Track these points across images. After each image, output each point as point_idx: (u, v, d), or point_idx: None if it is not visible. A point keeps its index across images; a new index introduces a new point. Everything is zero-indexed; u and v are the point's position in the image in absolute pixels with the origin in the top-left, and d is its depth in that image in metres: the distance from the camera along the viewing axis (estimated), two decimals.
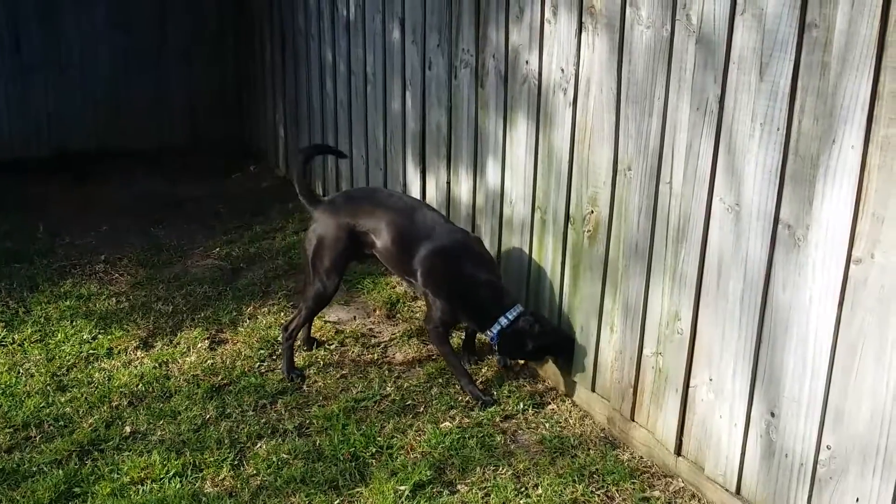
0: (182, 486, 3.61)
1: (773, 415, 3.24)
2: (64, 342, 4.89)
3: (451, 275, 4.32)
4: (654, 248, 3.70)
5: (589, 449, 3.93)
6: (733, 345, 3.37)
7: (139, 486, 3.62)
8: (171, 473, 3.70)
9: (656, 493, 3.63)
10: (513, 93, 4.51)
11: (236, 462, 3.81)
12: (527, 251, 4.55)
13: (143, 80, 8.33)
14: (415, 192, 5.56)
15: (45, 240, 6.42)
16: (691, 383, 3.62)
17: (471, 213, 5.02)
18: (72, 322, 5.13)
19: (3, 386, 4.41)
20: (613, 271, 3.97)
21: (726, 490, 3.48)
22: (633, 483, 3.69)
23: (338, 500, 3.56)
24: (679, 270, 3.59)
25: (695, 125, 3.39)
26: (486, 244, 4.85)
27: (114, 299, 5.47)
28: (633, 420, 3.94)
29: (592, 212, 4.04)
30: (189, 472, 3.73)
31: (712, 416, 3.52)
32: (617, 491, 3.65)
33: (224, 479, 3.69)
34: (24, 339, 4.91)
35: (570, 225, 4.21)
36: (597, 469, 3.77)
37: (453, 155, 5.13)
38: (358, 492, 3.61)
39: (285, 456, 3.84)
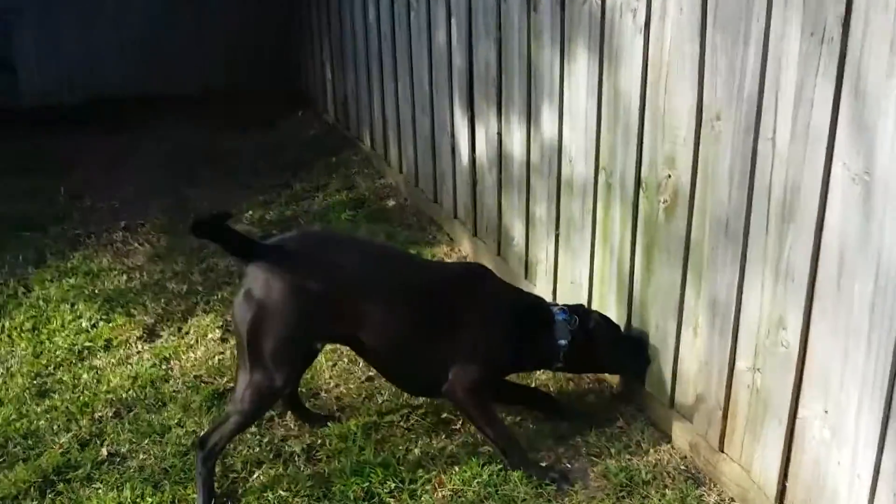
0: None
1: None
2: (58, 332, 4.26)
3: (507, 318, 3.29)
4: (752, 229, 2.75)
5: (665, 487, 3.05)
6: (859, 369, 2.42)
7: None
8: None
9: None
10: (571, 17, 3.57)
11: (224, 500, 3.09)
12: (590, 222, 3.63)
13: (183, 19, 7.60)
14: (463, 144, 4.69)
15: (64, 203, 5.84)
16: (799, 413, 2.69)
17: (524, 172, 4.11)
18: (72, 306, 4.50)
19: None
20: (697, 256, 3.03)
21: None
22: None
23: None
24: (784, 261, 2.63)
25: (808, 58, 2.42)
26: (543, 210, 3.99)
27: (125, 276, 4.82)
28: (723, 451, 3.04)
29: (670, 176, 3.10)
30: None
31: (827, 460, 2.59)
32: None
33: None
34: (15, 328, 4.30)
35: (641, 192, 3.28)
36: None
37: (504, 98, 4.22)
38: None
39: (283, 493, 3.09)
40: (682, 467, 3.15)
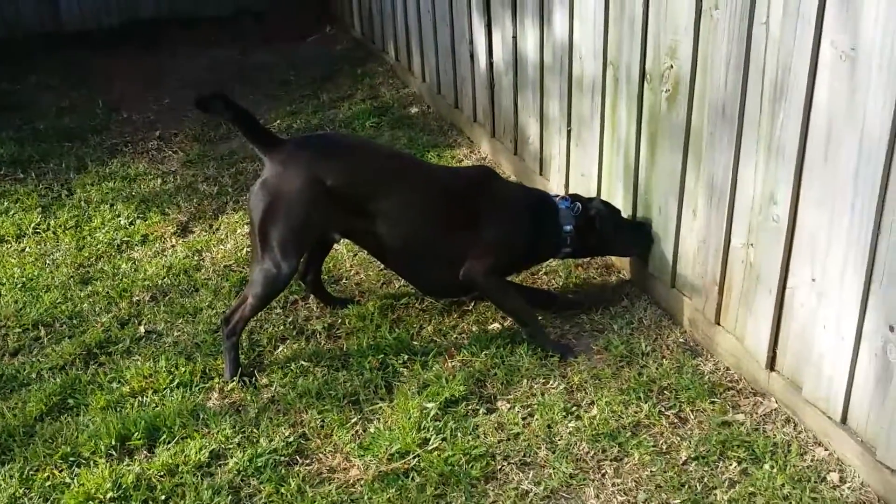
0: (183, 399, 3.16)
1: (892, 329, 2.47)
2: (99, 229, 4.51)
3: (519, 211, 3.47)
4: (746, 111, 2.89)
5: (663, 358, 3.25)
6: (844, 236, 2.58)
7: (137, 398, 3.19)
8: (176, 383, 3.26)
9: (740, 417, 2.94)
10: None
11: (250, 369, 3.33)
12: (598, 117, 3.77)
13: None
14: (481, 50, 4.82)
15: (103, 116, 6.06)
16: (788, 283, 2.85)
17: (538, 73, 4.24)
18: (111, 206, 4.74)
19: (25, 279, 4.06)
20: (696, 141, 3.18)
21: (829, 418, 2.75)
22: (713, 402, 3.00)
23: (354, 419, 3.03)
24: (776, 139, 2.77)
25: None
26: (556, 108, 4.13)
27: (160, 180, 5.04)
28: (719, 324, 3.21)
29: (672, 66, 3.23)
30: (196, 381, 3.27)
31: (814, 325, 2.76)
32: (691, 411, 2.98)
33: (233, 389, 3.23)
34: (60, 226, 4.56)
35: (646, 84, 3.41)
36: (669, 384, 3.10)
37: (518, 1, 4.31)
38: (378, 408, 3.07)
39: (305, 363, 3.33)
40: (681, 340, 3.34)
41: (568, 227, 3.45)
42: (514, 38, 4.42)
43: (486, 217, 3.39)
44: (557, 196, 3.58)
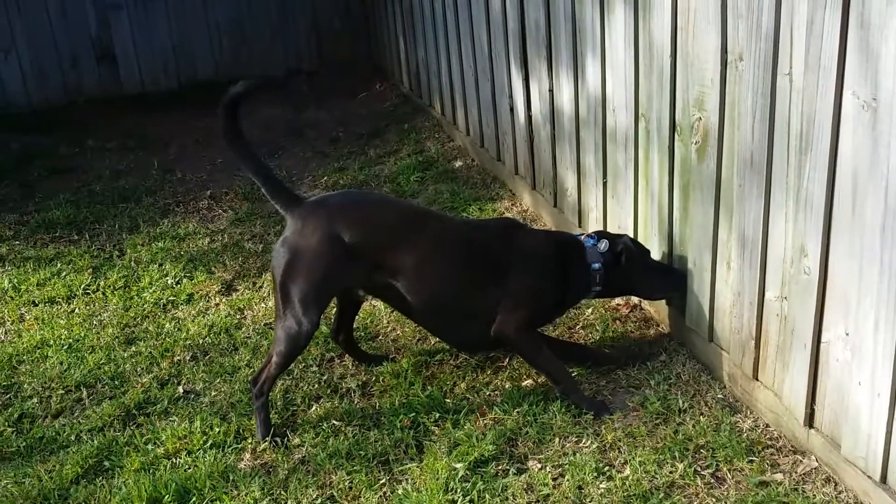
0: (216, 460, 3.18)
1: None
2: (147, 289, 4.61)
3: (547, 256, 3.44)
4: (774, 163, 2.83)
5: (700, 415, 3.16)
6: (874, 289, 2.49)
7: (171, 460, 3.22)
8: (209, 444, 3.28)
9: (778, 477, 2.83)
10: None
11: (283, 429, 3.34)
12: (632, 170, 3.73)
13: (266, 5, 7.97)
14: (520, 103, 4.85)
15: (157, 177, 6.24)
16: (823, 338, 2.76)
17: (574, 125, 4.23)
18: (160, 266, 4.85)
19: (72, 340, 4.16)
20: (727, 193, 3.12)
21: (868, 477, 2.64)
22: (751, 461, 2.91)
23: (383, 479, 3.01)
24: (804, 190, 2.71)
25: None
26: (591, 160, 4.11)
27: (208, 238, 5.15)
28: (757, 379, 3.12)
29: (700, 118, 3.19)
30: (230, 442, 3.29)
31: (849, 381, 2.66)
32: (728, 471, 2.88)
33: (265, 450, 3.24)
34: (109, 286, 4.67)
35: (676, 136, 3.37)
36: (706, 442, 3.01)
37: (553, 55, 4.34)
38: (408, 469, 3.05)
39: (337, 423, 3.33)
40: (720, 396, 3.25)
41: (596, 265, 3.41)
42: (551, 91, 4.43)
43: (512, 268, 3.37)
44: (583, 234, 3.54)
